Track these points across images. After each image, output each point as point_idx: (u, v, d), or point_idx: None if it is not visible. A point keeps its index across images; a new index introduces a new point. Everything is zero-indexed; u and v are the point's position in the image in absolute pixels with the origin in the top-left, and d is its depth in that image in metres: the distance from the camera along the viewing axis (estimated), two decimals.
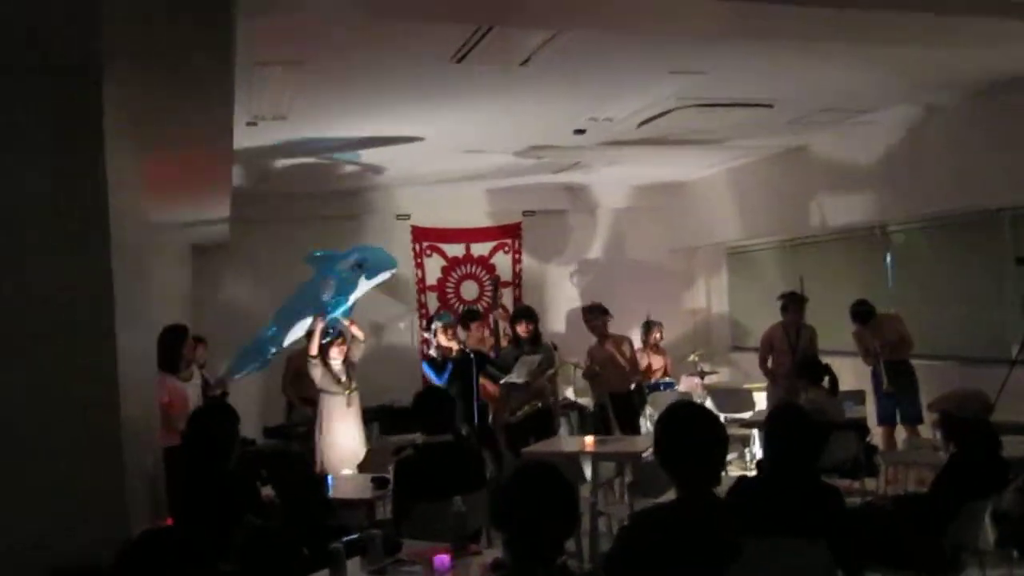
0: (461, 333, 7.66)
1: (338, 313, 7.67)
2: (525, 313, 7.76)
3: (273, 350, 7.79)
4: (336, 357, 7.44)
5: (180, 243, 8.61)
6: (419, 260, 10.41)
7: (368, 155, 7.96)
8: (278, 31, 4.42)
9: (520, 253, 10.76)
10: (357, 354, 7.63)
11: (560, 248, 10.96)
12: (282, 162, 7.92)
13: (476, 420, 7.12)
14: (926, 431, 6.82)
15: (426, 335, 7.55)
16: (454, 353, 7.25)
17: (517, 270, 10.77)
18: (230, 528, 2.99)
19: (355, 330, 7.69)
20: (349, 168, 8.44)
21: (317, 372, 7.32)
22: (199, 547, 2.86)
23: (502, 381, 7.30)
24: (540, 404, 7.37)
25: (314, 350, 7.34)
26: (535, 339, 7.54)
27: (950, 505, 3.67)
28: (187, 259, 9.05)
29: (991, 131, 7.03)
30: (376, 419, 8.94)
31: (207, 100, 4.09)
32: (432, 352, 7.41)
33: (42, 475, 3.23)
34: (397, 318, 10.16)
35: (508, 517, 2.43)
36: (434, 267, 10.50)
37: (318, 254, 8.12)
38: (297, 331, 7.60)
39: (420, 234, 10.38)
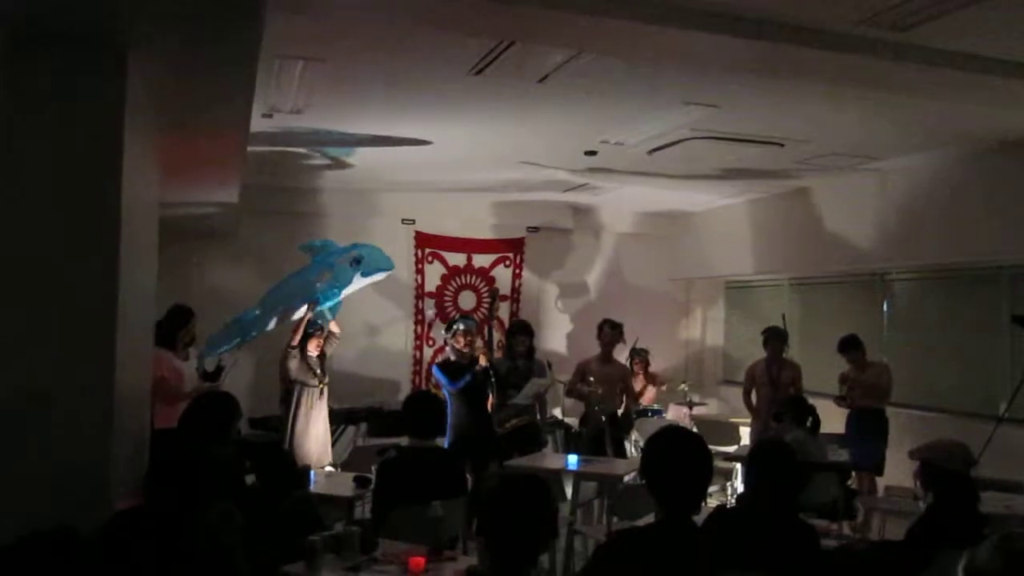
0: (477, 342, 7.46)
1: (328, 305, 7.75)
2: (523, 328, 7.75)
3: (254, 333, 7.81)
4: (313, 351, 7.57)
5: (178, 225, 8.55)
6: (420, 266, 10.34)
7: (378, 159, 7.93)
8: (302, 27, 4.45)
9: (521, 268, 10.71)
10: (331, 349, 7.78)
11: (561, 267, 10.91)
12: (291, 153, 7.94)
13: (486, 431, 6.93)
14: (899, 480, 6.80)
15: (445, 336, 7.33)
16: (481, 362, 7.03)
17: (516, 285, 10.71)
18: (197, 510, 2.99)
19: (333, 325, 7.80)
20: (353, 167, 8.40)
21: (294, 363, 7.45)
22: (165, 527, 2.92)
23: (512, 401, 7.25)
24: (528, 419, 7.35)
25: (296, 340, 7.46)
26: (529, 354, 7.53)
27: (923, 554, 3.61)
28: (184, 243, 8.96)
29: (995, 189, 7.06)
30: (364, 420, 8.95)
31: (228, 87, 4.11)
32: (451, 356, 7.20)
33: (30, 444, 3.24)
34: (393, 321, 10.15)
35: (489, 522, 2.46)
36: (434, 274, 10.42)
37: (316, 243, 8.19)
38: (292, 317, 7.66)
39: (423, 240, 10.32)
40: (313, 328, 7.62)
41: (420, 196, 9.99)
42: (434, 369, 7.35)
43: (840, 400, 7.60)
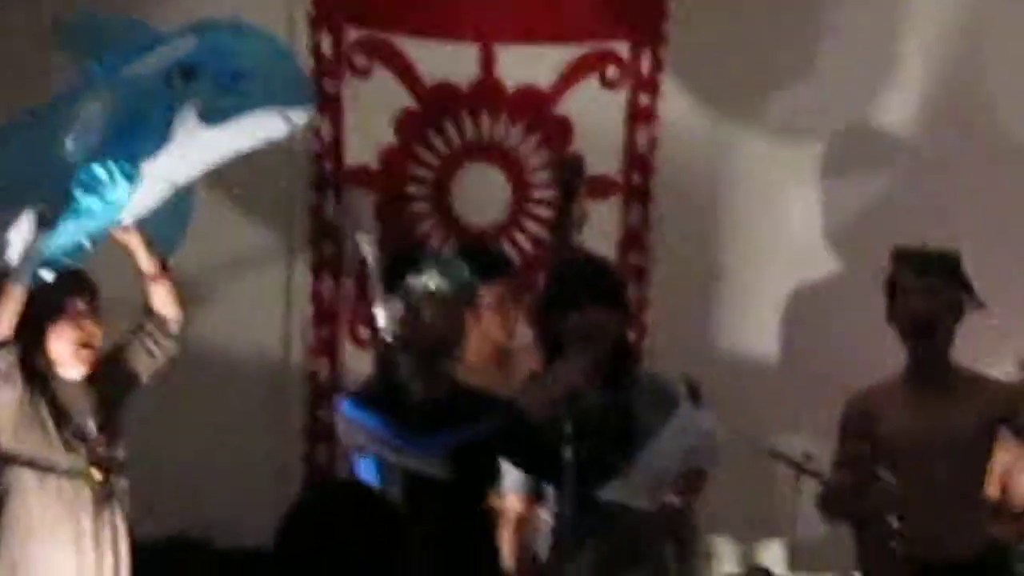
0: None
1: (100, 197, 7.09)
2: (592, 278, 7.15)
3: None
4: (73, 362, 7.22)
5: None
6: (334, 85, 8.92)
7: None
8: None
9: (655, 91, 9.18)
10: (151, 364, 7.42)
11: (780, 85, 9.45)
12: None
13: None
14: None
15: (378, 311, 6.87)
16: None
17: (642, 143, 9.15)
18: None
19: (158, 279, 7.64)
20: None
21: (10, 397, 7.28)
22: None
23: (609, 499, 6.64)
24: None
25: (6, 325, 7.14)
26: (623, 364, 6.92)
27: None
28: None
29: None
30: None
31: None
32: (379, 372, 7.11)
33: None
34: (244, 266, 9.10)
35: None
36: (375, 109, 8.91)
37: (100, 21, 7.88)
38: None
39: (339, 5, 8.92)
40: (60, 283, 7.27)
41: None
42: (345, 407, 6.76)
43: None
